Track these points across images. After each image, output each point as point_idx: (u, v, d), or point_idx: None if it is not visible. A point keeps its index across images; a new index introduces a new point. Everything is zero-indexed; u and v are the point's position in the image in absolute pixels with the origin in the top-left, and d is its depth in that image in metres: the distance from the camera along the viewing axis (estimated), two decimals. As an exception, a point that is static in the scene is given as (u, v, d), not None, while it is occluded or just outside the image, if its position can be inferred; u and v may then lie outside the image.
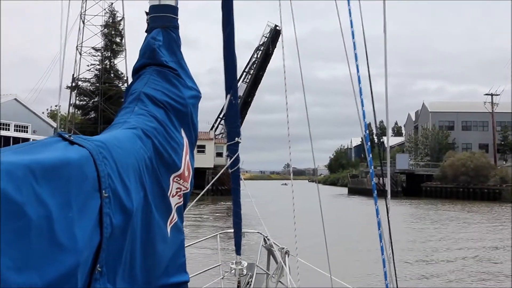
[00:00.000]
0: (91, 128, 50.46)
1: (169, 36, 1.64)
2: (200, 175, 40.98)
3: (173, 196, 1.46)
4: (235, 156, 2.78)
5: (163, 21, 1.64)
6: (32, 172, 0.84)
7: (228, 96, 2.59)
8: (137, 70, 1.61)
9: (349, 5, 2.21)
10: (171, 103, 1.52)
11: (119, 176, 1.12)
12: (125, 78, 54.97)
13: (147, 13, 1.67)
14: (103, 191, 1.03)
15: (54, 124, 49.82)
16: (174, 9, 1.67)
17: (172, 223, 1.45)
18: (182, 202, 1.53)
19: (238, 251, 3.24)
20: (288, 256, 3.39)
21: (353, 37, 2.21)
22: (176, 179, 1.47)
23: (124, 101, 1.55)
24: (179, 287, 1.49)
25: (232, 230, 3.17)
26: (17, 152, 0.89)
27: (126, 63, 54.12)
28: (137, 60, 1.63)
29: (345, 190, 72.45)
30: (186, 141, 1.56)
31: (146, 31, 1.67)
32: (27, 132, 43.81)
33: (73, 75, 52.31)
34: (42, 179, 0.85)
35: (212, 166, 47.83)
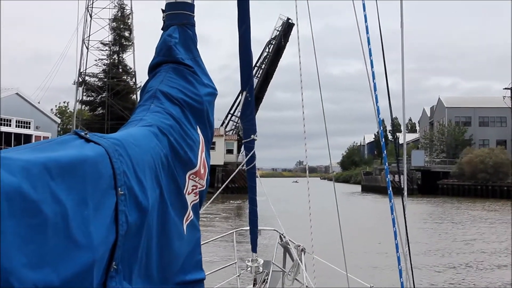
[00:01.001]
0: (98, 124, 48.50)
1: (186, 34, 1.63)
2: (210, 172, 39.61)
3: (189, 194, 1.45)
4: (251, 153, 2.78)
5: (179, 19, 1.64)
6: (48, 170, 0.84)
7: (244, 93, 2.58)
8: (153, 68, 1.61)
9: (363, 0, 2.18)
10: (187, 101, 1.52)
11: (135, 173, 1.12)
12: (133, 73, 53.27)
13: (163, 11, 1.67)
14: (119, 189, 1.03)
15: (58, 120, 47.51)
16: (190, 7, 1.66)
17: (188, 221, 1.45)
18: (198, 200, 1.52)
19: (254, 248, 3.24)
20: (304, 254, 3.37)
21: (367, 33, 2.18)
22: (192, 177, 1.47)
23: (140, 98, 1.56)
24: (195, 284, 1.49)
25: (248, 228, 3.17)
26: (33, 149, 0.89)
27: (134, 58, 52.12)
28: (153, 57, 1.63)
29: (358, 187, 71.70)
30: (202, 138, 1.55)
31: (162, 29, 1.66)
32: (29, 128, 41.38)
33: (79, 69, 49.81)
34: (58, 177, 0.85)
35: (222, 163, 46.62)
